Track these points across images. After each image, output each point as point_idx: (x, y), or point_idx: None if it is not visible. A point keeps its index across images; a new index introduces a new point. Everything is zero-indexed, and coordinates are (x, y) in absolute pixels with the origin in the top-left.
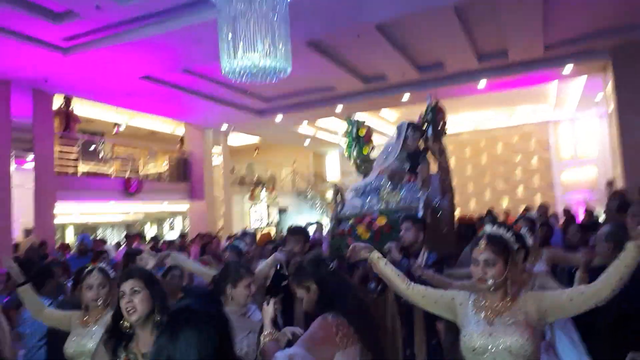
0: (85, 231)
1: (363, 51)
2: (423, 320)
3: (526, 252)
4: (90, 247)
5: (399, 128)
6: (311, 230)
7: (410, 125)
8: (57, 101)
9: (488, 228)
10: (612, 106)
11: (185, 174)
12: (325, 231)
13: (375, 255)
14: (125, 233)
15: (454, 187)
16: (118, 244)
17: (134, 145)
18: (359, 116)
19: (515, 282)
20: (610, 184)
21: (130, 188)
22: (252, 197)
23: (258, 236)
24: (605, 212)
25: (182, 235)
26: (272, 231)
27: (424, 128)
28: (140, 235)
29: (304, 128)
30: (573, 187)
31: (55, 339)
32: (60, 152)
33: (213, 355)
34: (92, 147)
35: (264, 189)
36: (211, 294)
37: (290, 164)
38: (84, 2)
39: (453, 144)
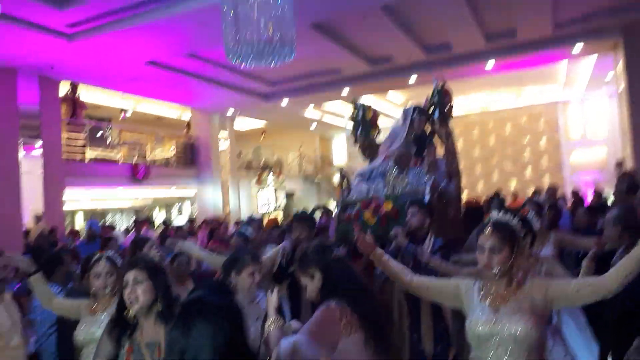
0: (94, 217)
1: (369, 33)
2: (430, 305)
3: (533, 237)
4: (99, 233)
5: (405, 112)
6: (318, 215)
7: (417, 108)
8: (64, 88)
9: (494, 214)
10: (622, 85)
11: (192, 159)
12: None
13: (378, 250)
14: (134, 218)
15: (461, 171)
16: (127, 230)
17: (140, 131)
18: (366, 99)
19: (521, 269)
20: (619, 164)
21: (137, 174)
22: (259, 182)
23: (265, 221)
24: (614, 193)
25: (191, 220)
26: (279, 215)
27: (430, 111)
28: (149, 221)
29: (310, 112)
30: (582, 168)
31: (65, 327)
32: (68, 138)
33: (226, 346)
34: (99, 133)
35: (271, 173)
36: (222, 284)
37: (296, 148)
38: None
39: (461, 125)
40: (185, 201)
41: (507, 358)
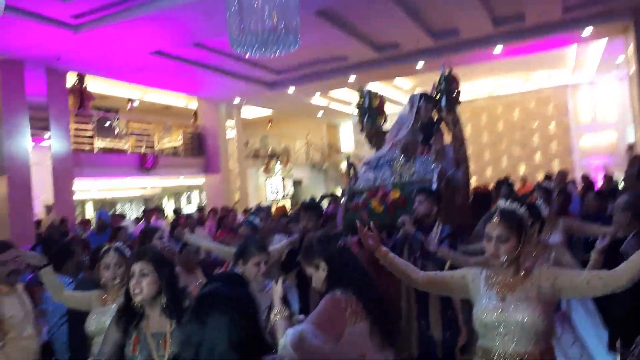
0: (104, 206)
1: (375, 19)
2: None
3: (541, 224)
4: (109, 222)
5: (412, 99)
6: (325, 203)
7: (423, 96)
8: (71, 79)
9: (502, 203)
10: (633, 68)
11: (200, 148)
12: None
13: (383, 248)
14: (143, 207)
15: (468, 158)
16: (137, 219)
17: (148, 121)
18: (373, 86)
19: (529, 257)
20: (630, 148)
21: (146, 163)
22: (267, 170)
23: (273, 209)
24: (624, 178)
25: (200, 209)
26: (288, 203)
27: (437, 98)
28: (158, 210)
29: (317, 99)
30: (592, 152)
31: (76, 317)
32: (76, 129)
33: (242, 338)
34: (107, 124)
35: (278, 161)
36: (237, 275)
37: (304, 136)
38: None
39: (469, 111)
40: (193, 190)
41: (514, 346)
